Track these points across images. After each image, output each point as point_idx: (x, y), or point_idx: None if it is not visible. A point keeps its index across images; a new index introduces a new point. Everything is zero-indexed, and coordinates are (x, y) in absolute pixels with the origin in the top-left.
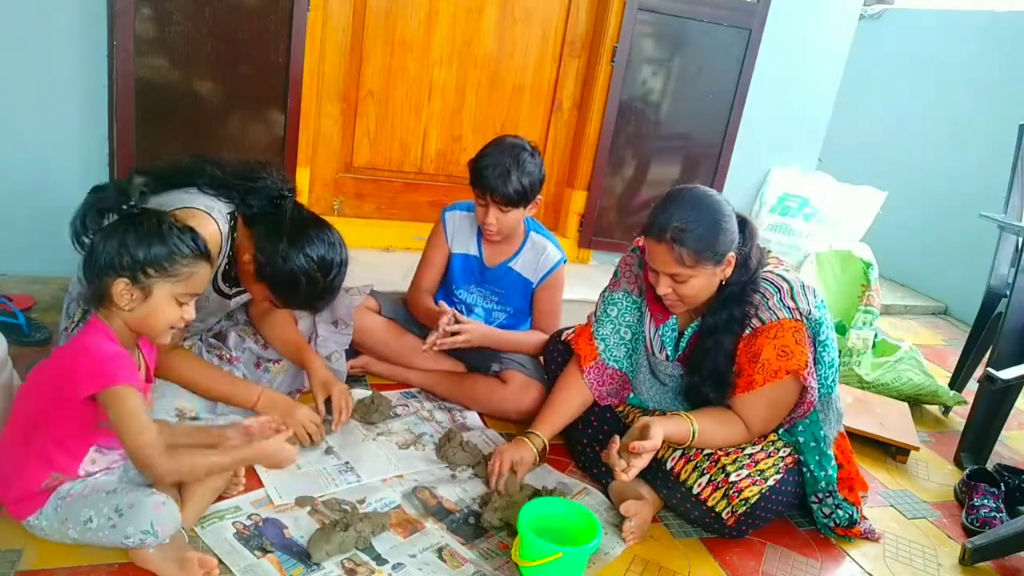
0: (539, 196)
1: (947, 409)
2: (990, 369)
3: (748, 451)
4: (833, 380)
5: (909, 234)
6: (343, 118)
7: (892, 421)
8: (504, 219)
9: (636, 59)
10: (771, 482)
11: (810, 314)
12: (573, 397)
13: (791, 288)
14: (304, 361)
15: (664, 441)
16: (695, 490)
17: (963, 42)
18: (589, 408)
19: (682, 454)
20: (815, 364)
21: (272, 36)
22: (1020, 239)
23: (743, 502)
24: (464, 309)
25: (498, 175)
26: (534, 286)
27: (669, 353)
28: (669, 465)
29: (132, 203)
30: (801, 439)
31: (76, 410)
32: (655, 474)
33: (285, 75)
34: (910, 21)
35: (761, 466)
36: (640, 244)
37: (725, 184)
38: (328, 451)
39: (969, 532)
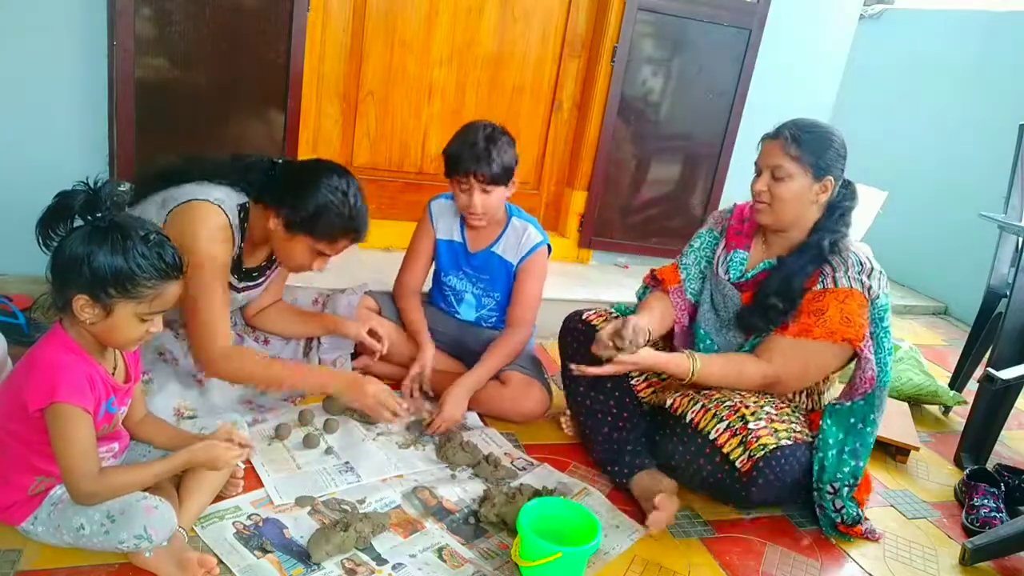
0: (515, 175)
1: (947, 409)
2: (990, 369)
3: (767, 409)
4: (891, 368)
5: (909, 234)
6: (343, 118)
7: (892, 421)
8: (488, 200)
9: (636, 59)
10: (784, 443)
11: (878, 298)
12: (659, 305)
13: (872, 269)
14: (324, 325)
15: (670, 380)
16: (712, 435)
17: (963, 42)
18: (608, 394)
19: (702, 406)
20: (876, 350)
21: (272, 36)
22: (1020, 239)
23: (761, 447)
24: (454, 296)
25: (476, 155)
26: (515, 267)
27: (732, 275)
28: (689, 417)
29: (99, 215)
30: (852, 419)
31: (39, 420)
32: (673, 431)
33: (285, 75)
34: (910, 21)
35: (776, 426)
36: (734, 205)
37: (725, 184)
38: (328, 451)
39: (969, 532)
